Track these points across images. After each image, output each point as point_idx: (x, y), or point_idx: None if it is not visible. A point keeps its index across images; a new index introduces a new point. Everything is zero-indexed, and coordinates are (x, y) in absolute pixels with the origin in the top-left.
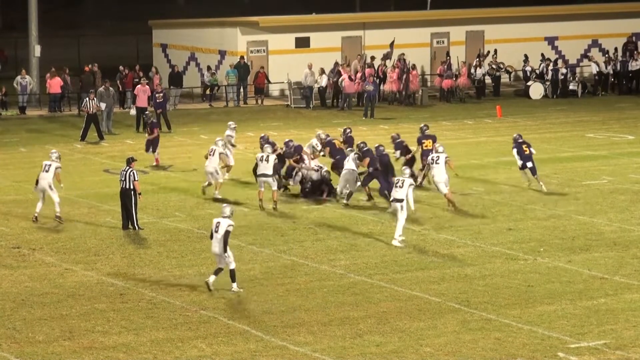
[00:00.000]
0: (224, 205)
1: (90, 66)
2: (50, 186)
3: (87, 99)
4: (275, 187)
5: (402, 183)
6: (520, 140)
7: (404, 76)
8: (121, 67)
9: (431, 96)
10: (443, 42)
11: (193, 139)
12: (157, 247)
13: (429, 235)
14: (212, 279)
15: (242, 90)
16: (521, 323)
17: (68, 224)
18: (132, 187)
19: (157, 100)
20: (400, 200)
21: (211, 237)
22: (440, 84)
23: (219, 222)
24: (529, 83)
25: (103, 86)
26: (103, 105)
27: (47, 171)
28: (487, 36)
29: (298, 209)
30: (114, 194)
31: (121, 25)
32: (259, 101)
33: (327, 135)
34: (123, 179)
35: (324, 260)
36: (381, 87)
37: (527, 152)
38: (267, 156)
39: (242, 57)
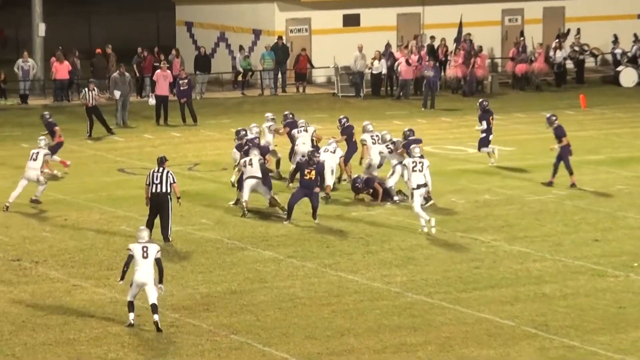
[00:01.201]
0: (141, 228)
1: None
2: (38, 178)
3: (87, 89)
4: (268, 195)
5: (421, 166)
6: (488, 108)
7: (471, 60)
8: (139, 49)
9: (502, 83)
10: (516, 20)
11: (222, 133)
12: (180, 260)
13: (500, 247)
14: (132, 316)
15: (280, 76)
16: (611, 351)
17: (77, 232)
18: (169, 191)
19: (181, 88)
20: (425, 185)
21: (127, 265)
22: (512, 69)
23: (146, 247)
24: (619, 68)
25: (118, 71)
26: (117, 94)
27: (34, 159)
28: (568, 13)
29: (346, 216)
30: (130, 198)
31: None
32: (301, 89)
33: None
34: (158, 181)
35: (376, 277)
36: (443, 72)
37: (492, 125)
38: (251, 159)
39: (280, 38)
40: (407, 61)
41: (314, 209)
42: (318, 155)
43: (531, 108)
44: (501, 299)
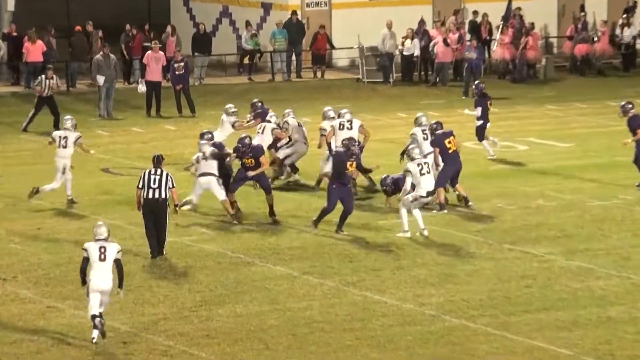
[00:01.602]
0: (99, 224)
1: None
2: (64, 169)
3: (43, 77)
4: (222, 197)
5: (428, 166)
6: (485, 92)
7: (521, 39)
8: (127, 27)
9: (558, 67)
10: None
11: None
12: (176, 277)
13: (556, 261)
14: (96, 334)
15: (294, 58)
16: None
17: (52, 244)
18: (166, 196)
19: (176, 73)
20: (434, 193)
21: (83, 270)
22: (570, 50)
23: (103, 247)
24: None
25: (101, 52)
26: (101, 79)
27: (64, 146)
28: None
29: (372, 225)
30: (116, 203)
31: None
32: (319, 74)
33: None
34: (155, 185)
35: (408, 297)
36: (488, 54)
37: (488, 111)
38: (204, 153)
39: (294, 13)
40: (444, 41)
41: (348, 214)
42: (355, 143)
43: (593, 96)
44: (557, 324)
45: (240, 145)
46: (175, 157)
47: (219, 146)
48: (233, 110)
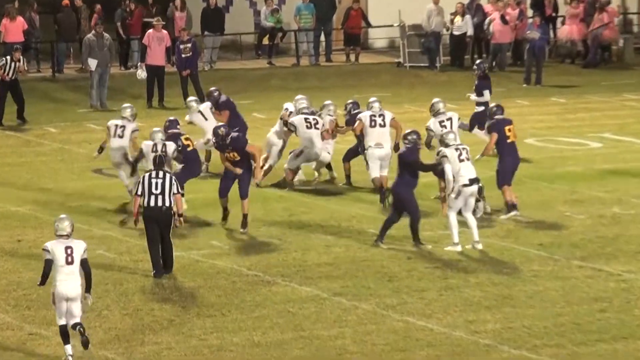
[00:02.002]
0: (61, 217)
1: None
2: (127, 158)
3: (8, 58)
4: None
5: (467, 152)
6: (488, 72)
7: (593, 16)
8: (124, 1)
9: (639, 49)
10: None
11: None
12: (182, 298)
13: (636, 281)
14: (69, 349)
15: (323, 38)
16: None
17: (34, 259)
18: (171, 204)
19: (183, 55)
20: (477, 180)
21: (47, 274)
22: None
23: (70, 248)
24: None
25: (93, 31)
26: (93, 63)
27: (121, 136)
28: None
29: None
30: (110, 211)
31: None
32: (352, 57)
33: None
34: (158, 191)
35: (458, 322)
36: (554, 33)
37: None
38: (155, 145)
39: None
40: (502, 17)
41: (392, 224)
42: (419, 137)
43: None
44: (637, 355)
45: (213, 137)
46: None
47: (176, 137)
48: (194, 100)
